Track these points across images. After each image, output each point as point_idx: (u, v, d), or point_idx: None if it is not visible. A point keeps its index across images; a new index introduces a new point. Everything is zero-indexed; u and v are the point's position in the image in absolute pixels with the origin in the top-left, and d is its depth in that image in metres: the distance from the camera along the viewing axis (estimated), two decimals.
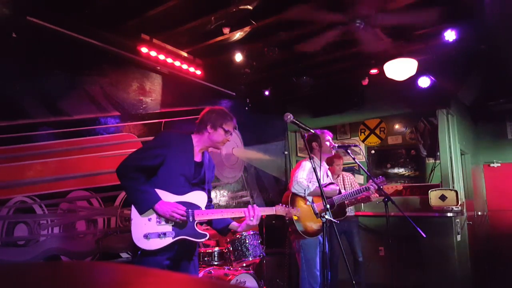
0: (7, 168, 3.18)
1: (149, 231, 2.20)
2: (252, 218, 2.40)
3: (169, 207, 2.21)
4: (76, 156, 3.66)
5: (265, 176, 6.25)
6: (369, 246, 5.25)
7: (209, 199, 2.60)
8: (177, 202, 2.28)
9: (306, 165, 3.58)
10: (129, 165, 2.27)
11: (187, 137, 2.48)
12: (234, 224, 2.53)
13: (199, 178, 2.44)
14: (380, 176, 4.01)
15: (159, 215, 2.22)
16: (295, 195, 3.51)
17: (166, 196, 2.28)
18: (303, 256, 3.51)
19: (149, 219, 2.22)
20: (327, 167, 3.92)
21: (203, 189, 2.45)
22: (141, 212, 2.21)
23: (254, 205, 2.44)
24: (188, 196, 2.35)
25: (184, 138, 2.46)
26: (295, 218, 3.07)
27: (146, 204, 2.21)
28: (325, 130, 3.78)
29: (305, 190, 3.44)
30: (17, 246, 3.19)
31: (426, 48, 4.55)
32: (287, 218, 2.64)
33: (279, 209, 2.57)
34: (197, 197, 2.38)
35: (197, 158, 2.47)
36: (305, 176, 3.51)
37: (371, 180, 3.80)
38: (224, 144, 2.53)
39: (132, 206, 2.23)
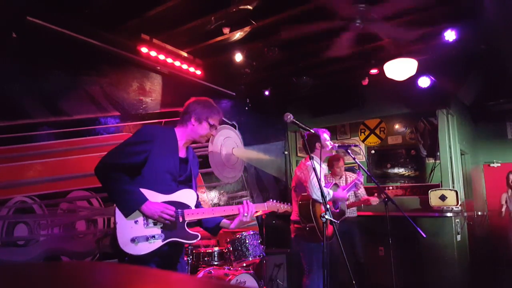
0: (7, 168, 3.18)
1: (136, 234, 2.02)
2: (246, 214, 2.29)
3: (157, 207, 2.05)
4: (76, 156, 3.66)
5: (265, 176, 6.25)
6: (369, 246, 5.24)
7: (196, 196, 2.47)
8: (165, 202, 2.13)
9: (311, 167, 3.53)
10: (110, 164, 2.09)
11: (170, 130, 2.31)
12: (225, 222, 2.40)
13: (186, 175, 2.28)
14: (358, 171, 4.05)
15: (146, 217, 2.06)
16: (315, 201, 3.44)
17: (152, 196, 2.11)
18: (315, 258, 3.44)
19: (136, 222, 2.04)
20: (325, 167, 3.90)
21: (190, 187, 2.30)
22: (127, 214, 2.03)
23: (249, 201, 2.34)
24: (176, 195, 2.19)
25: (167, 132, 2.28)
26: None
27: (132, 206, 2.04)
28: (324, 130, 3.76)
29: (325, 197, 3.41)
30: (17, 246, 3.19)
31: (426, 48, 4.55)
32: (277, 212, 2.59)
33: (270, 205, 2.50)
34: (186, 196, 2.23)
35: (182, 153, 2.31)
36: (323, 179, 3.46)
37: (357, 176, 3.82)
38: (208, 138, 2.39)
39: (116, 209, 2.04)
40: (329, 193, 3.44)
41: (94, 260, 3.68)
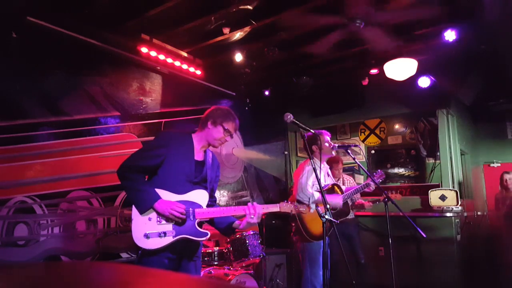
0: (7, 168, 3.18)
1: (149, 230, 2.20)
2: (252, 216, 2.34)
3: (168, 205, 2.21)
4: (76, 156, 3.66)
5: (265, 176, 6.25)
6: (369, 246, 5.24)
7: (213, 198, 2.58)
8: (177, 201, 2.27)
9: (309, 169, 3.56)
10: (128, 166, 2.28)
11: (187, 136, 2.47)
12: (237, 223, 2.48)
13: (201, 177, 2.42)
14: (379, 170, 4.00)
15: (159, 214, 2.22)
16: (299, 201, 3.47)
17: (166, 195, 2.27)
18: (307, 256, 3.49)
19: (149, 219, 2.22)
20: (328, 167, 3.90)
21: (204, 188, 2.43)
22: (141, 211, 2.21)
23: (254, 203, 2.40)
24: (189, 195, 2.33)
25: (184, 137, 2.45)
26: (304, 211, 2.97)
27: (146, 203, 2.21)
28: (323, 131, 3.77)
29: (309, 199, 3.43)
30: (17, 246, 3.19)
31: (426, 48, 4.56)
32: (291, 214, 2.59)
33: (284, 206, 2.50)
34: (198, 196, 2.36)
35: (198, 157, 2.45)
36: (310, 182, 3.49)
37: (375, 175, 3.80)
38: (222, 143, 2.50)
39: (133, 206, 2.23)
40: (313, 195, 3.44)
41: (94, 260, 3.69)
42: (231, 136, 2.49)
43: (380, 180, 3.83)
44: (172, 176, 2.31)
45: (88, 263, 1.95)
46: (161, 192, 2.27)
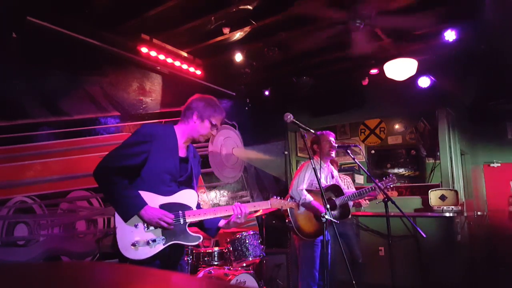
0: (7, 168, 3.18)
1: (136, 238, 1.97)
2: (239, 216, 2.22)
3: (155, 213, 2.00)
4: (76, 156, 3.66)
5: (265, 176, 6.25)
6: (369, 246, 5.24)
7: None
8: (165, 203, 2.08)
9: (307, 167, 3.57)
10: (108, 167, 2.03)
11: (170, 129, 2.23)
12: (223, 221, 2.33)
13: (186, 176, 2.21)
14: (391, 175, 3.99)
15: (145, 222, 2.01)
16: (292, 198, 3.51)
17: (152, 199, 2.04)
18: (302, 255, 3.52)
19: (136, 226, 1.99)
20: (332, 168, 3.89)
21: (191, 187, 2.24)
22: (126, 219, 1.98)
23: (239, 204, 2.27)
24: (177, 196, 2.13)
25: (167, 131, 2.20)
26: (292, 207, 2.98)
27: (131, 211, 1.99)
28: (326, 131, 3.78)
29: (300, 200, 3.45)
30: (17, 246, 3.19)
31: (426, 48, 4.56)
32: (283, 210, 2.58)
33: (274, 202, 2.43)
34: (187, 197, 2.17)
35: (182, 153, 2.23)
36: (306, 179, 3.50)
37: (377, 180, 3.77)
38: (207, 138, 2.30)
39: (115, 213, 2.00)
40: (305, 198, 3.44)
41: (94, 260, 3.68)
42: (217, 130, 2.32)
43: (392, 185, 3.81)
44: (157, 176, 2.08)
45: (88, 263, 1.95)
46: (146, 195, 2.04)
